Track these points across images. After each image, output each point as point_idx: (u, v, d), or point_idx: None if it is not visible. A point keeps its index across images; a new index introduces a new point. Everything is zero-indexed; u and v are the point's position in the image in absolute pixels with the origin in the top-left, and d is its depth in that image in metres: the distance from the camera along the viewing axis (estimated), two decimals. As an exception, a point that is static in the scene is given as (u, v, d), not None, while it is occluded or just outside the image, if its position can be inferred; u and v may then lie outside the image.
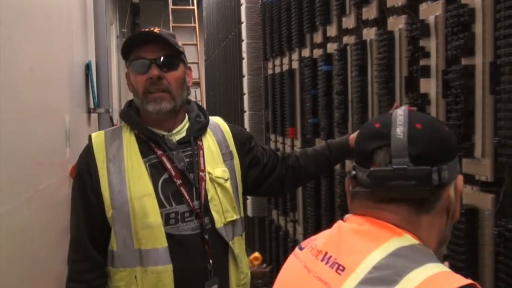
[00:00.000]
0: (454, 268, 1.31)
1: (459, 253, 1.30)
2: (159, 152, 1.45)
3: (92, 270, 1.46)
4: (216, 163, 1.52)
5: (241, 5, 3.67)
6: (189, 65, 1.53)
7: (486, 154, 1.25)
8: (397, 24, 1.62)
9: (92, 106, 4.01)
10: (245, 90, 3.62)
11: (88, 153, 1.47)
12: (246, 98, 3.62)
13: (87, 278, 1.45)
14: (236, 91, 4.03)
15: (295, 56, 2.69)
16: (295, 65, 2.68)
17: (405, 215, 0.84)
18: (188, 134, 1.50)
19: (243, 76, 3.66)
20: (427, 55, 1.46)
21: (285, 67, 2.86)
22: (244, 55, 3.63)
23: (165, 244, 1.41)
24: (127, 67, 1.48)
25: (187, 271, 1.44)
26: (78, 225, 1.47)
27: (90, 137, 1.49)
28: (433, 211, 0.85)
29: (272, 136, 3.19)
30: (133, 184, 1.41)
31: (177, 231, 1.43)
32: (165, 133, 1.48)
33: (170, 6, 7.43)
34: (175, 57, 1.45)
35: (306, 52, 2.53)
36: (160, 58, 1.41)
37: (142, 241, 1.41)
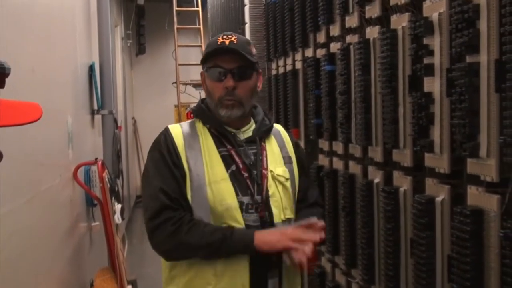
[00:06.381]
0: (459, 270, 1.29)
1: (464, 255, 1.27)
2: (229, 147, 1.57)
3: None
4: (278, 164, 1.62)
5: (245, 5, 3.66)
6: (260, 70, 1.64)
7: (492, 154, 1.22)
8: (401, 22, 1.60)
9: (95, 107, 3.98)
10: (249, 91, 3.60)
11: (167, 140, 1.57)
12: (250, 99, 3.60)
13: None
14: (240, 92, 4.00)
15: (298, 56, 2.67)
16: (299, 65, 2.66)
17: None
18: (254, 134, 1.61)
19: (247, 77, 3.64)
20: (431, 53, 1.44)
21: (289, 68, 2.84)
22: (248, 56, 3.61)
23: (243, 224, 1.50)
24: (203, 69, 1.62)
25: (252, 258, 1.49)
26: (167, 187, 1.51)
27: (167, 128, 1.61)
28: None
29: (276, 137, 3.17)
30: (210, 169, 1.53)
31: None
32: (234, 131, 1.60)
33: (175, 8, 7.40)
34: (248, 67, 1.57)
35: (309, 52, 2.51)
36: (235, 69, 1.54)
37: (221, 220, 1.49)
